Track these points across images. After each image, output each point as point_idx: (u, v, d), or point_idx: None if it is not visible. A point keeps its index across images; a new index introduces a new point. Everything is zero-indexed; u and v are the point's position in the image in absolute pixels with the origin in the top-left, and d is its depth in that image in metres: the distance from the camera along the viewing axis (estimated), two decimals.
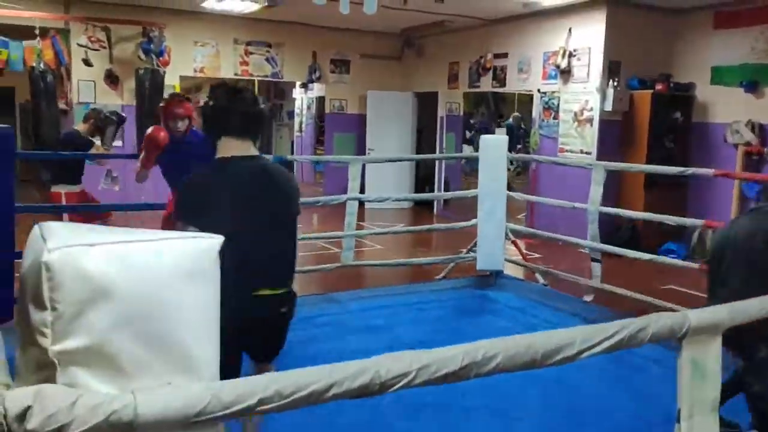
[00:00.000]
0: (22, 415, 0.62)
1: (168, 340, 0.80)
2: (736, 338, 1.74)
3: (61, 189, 5.51)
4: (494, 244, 5.93)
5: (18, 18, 8.46)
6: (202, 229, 2.19)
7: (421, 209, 11.12)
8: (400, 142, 11.09)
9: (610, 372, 4.01)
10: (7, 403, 0.62)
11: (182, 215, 2.33)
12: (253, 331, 2.43)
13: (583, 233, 5.61)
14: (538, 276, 6.22)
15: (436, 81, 10.78)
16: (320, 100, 12.68)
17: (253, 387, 0.80)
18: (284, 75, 10.71)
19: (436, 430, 3.37)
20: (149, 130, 4.23)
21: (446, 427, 3.38)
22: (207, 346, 0.85)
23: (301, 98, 14.85)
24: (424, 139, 11.47)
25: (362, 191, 10.79)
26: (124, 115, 6.91)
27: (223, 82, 2.76)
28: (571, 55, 8.29)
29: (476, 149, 6.19)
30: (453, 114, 11.00)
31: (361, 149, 11.05)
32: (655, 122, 7.98)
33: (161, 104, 4.34)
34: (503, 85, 9.64)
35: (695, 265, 4.85)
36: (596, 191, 5.33)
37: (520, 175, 12.71)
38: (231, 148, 2.36)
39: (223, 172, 2.36)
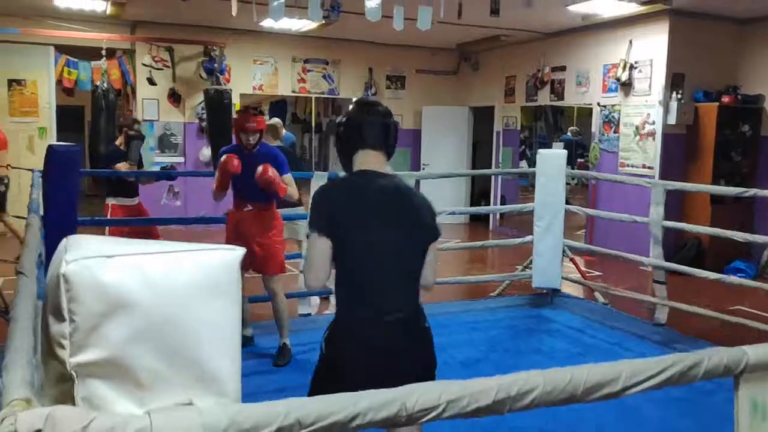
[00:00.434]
0: None
1: (186, 355, 0.78)
2: None
3: (110, 202, 5.63)
4: (551, 261, 5.79)
5: (87, 40, 8.83)
6: (335, 241, 2.20)
7: (477, 225, 11.00)
8: (456, 157, 11.01)
9: (674, 394, 3.82)
10: (18, 425, 0.61)
11: (316, 225, 2.23)
12: (387, 364, 2.22)
13: (646, 250, 5.41)
14: (597, 295, 6.04)
15: (492, 95, 10.68)
16: None
17: (273, 414, 0.77)
18: (340, 91, 10.82)
19: None
20: (224, 158, 4.21)
21: None
22: (227, 363, 0.83)
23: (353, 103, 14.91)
24: (480, 153, 11.36)
25: None
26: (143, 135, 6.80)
27: (360, 98, 2.70)
28: (632, 67, 8.08)
29: (533, 164, 6.08)
30: (509, 128, 10.85)
31: (415, 164, 11.03)
32: (722, 136, 7.68)
33: (234, 117, 4.39)
34: (561, 98, 9.47)
35: (766, 286, 4.61)
36: (657, 211, 5.13)
37: (578, 189, 12.42)
38: (367, 161, 2.30)
39: (358, 184, 2.28)
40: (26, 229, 2.62)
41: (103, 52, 8.88)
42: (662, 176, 7.39)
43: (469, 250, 8.39)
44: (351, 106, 2.39)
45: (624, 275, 6.98)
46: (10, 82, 8.93)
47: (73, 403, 0.76)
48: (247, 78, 10.05)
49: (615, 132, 8.43)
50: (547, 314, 5.77)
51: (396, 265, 2.27)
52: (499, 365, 4.51)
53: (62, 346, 0.73)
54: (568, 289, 6.28)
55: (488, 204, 10.87)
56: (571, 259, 6.28)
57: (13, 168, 7.00)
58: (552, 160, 5.85)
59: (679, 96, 7.65)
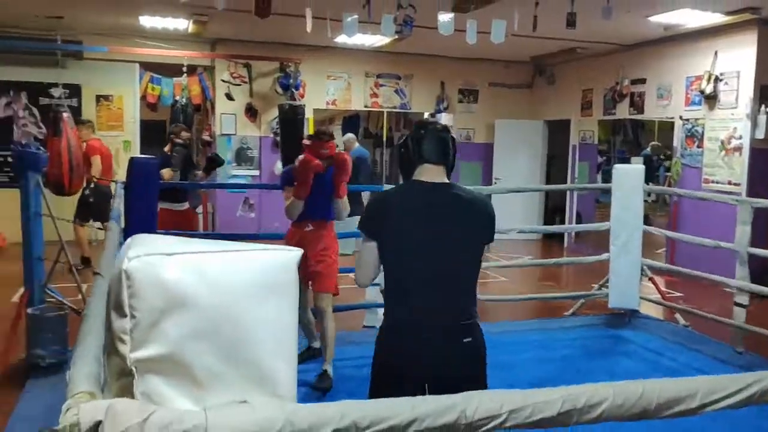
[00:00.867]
0: (94, 429, 0.62)
1: (242, 354, 0.77)
2: None
3: (159, 206, 5.79)
4: (629, 281, 5.57)
5: (170, 57, 9.19)
6: (381, 243, 2.36)
7: (550, 241, 10.73)
8: (529, 171, 10.81)
9: (749, 422, 3.55)
10: (81, 417, 0.62)
11: (365, 227, 2.41)
12: (435, 370, 2.30)
13: (731, 271, 5.12)
14: (678, 317, 5.75)
15: (568, 108, 10.45)
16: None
17: (329, 415, 0.75)
18: (412, 106, 10.83)
19: None
20: (303, 157, 4.12)
21: None
22: (282, 363, 0.82)
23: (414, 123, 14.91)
24: (555, 168, 11.11)
25: None
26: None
27: (420, 119, 2.95)
28: (717, 79, 7.73)
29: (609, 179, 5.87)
30: (586, 142, 10.58)
31: (487, 178, 10.90)
32: None
33: (306, 142, 4.28)
34: (641, 111, 9.16)
35: None
36: (743, 231, 4.85)
37: (658, 205, 11.96)
38: (426, 172, 2.42)
39: (412, 192, 2.44)
40: (106, 235, 2.71)
41: (184, 69, 9.23)
42: (750, 193, 7.00)
43: (541, 267, 8.19)
44: (414, 127, 2.54)
45: (707, 297, 6.63)
46: (98, 97, 9.42)
47: (132, 398, 0.76)
48: (321, 93, 10.21)
49: (698, 147, 8.07)
50: (624, 335, 5.54)
51: (440, 272, 2.36)
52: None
53: (123, 342, 0.74)
54: (646, 309, 6.01)
55: (562, 220, 10.60)
56: (650, 279, 6.02)
57: (98, 180, 7.34)
58: (629, 175, 5.65)
59: None
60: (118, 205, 3.30)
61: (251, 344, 0.78)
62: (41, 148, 4.80)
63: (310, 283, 4.31)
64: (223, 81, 9.62)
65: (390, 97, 10.62)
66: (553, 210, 11.04)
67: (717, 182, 7.76)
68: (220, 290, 0.77)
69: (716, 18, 7.04)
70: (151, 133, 10.53)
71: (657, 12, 6.91)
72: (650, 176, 9.58)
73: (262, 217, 9.91)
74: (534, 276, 8.04)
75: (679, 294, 7.05)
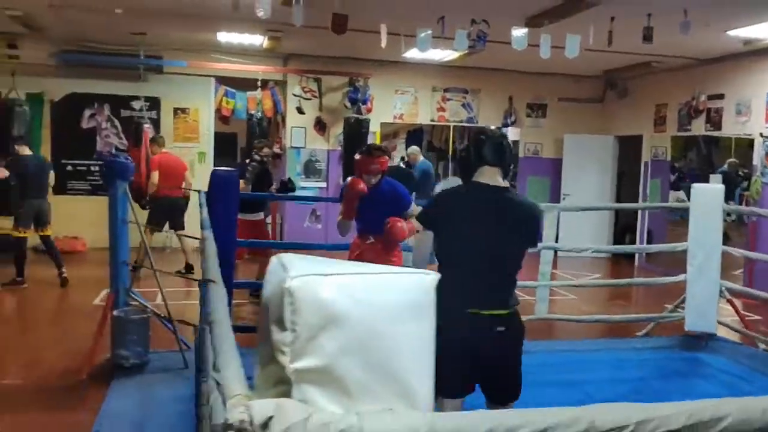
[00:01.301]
0: (265, 424, 0.68)
1: (387, 368, 0.84)
2: None
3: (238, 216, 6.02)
4: (706, 303, 5.39)
5: (244, 72, 9.50)
6: (438, 235, 2.67)
7: (620, 259, 10.47)
8: (599, 187, 10.61)
9: None
10: (253, 412, 0.69)
11: (424, 221, 2.77)
12: (473, 352, 2.60)
13: None
14: (758, 341, 5.53)
15: (640, 124, 10.22)
16: (513, 144, 12.61)
17: (469, 424, 0.79)
18: (479, 120, 10.82)
19: None
20: (349, 180, 4.23)
21: None
22: (424, 379, 0.88)
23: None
24: (625, 184, 10.86)
25: (556, 237, 10.45)
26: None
27: (481, 128, 3.21)
28: None
29: (686, 197, 5.72)
30: (658, 159, 10.31)
31: (555, 194, 10.75)
32: None
33: (358, 156, 4.32)
34: (718, 128, 8.88)
35: None
36: None
37: (736, 224, 11.52)
38: (483, 174, 2.71)
39: (470, 192, 2.73)
40: (202, 244, 2.83)
41: (259, 84, 9.51)
42: None
43: (610, 287, 8.01)
44: (473, 135, 2.89)
45: None
46: (176, 110, 9.78)
47: None
48: (389, 107, 10.32)
49: None
50: (700, 358, 5.36)
51: (485, 265, 2.65)
52: None
53: (283, 353, 0.80)
54: (724, 333, 5.80)
55: (633, 238, 10.34)
56: (729, 301, 5.81)
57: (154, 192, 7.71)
58: (708, 194, 5.48)
59: None
60: (206, 214, 3.43)
61: (395, 360, 0.84)
62: (129, 158, 5.04)
63: None
64: (295, 95, 9.86)
65: (457, 111, 10.64)
66: (624, 228, 10.79)
67: None
68: (369, 309, 0.83)
69: None
70: (223, 144, 10.89)
71: (737, 26, 6.72)
72: (728, 194, 9.26)
73: (328, 229, 10.06)
74: (603, 294, 7.87)
75: (758, 317, 6.77)
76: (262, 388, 0.85)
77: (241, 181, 6.26)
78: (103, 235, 7.06)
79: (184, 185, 7.91)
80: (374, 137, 10.13)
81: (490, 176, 2.71)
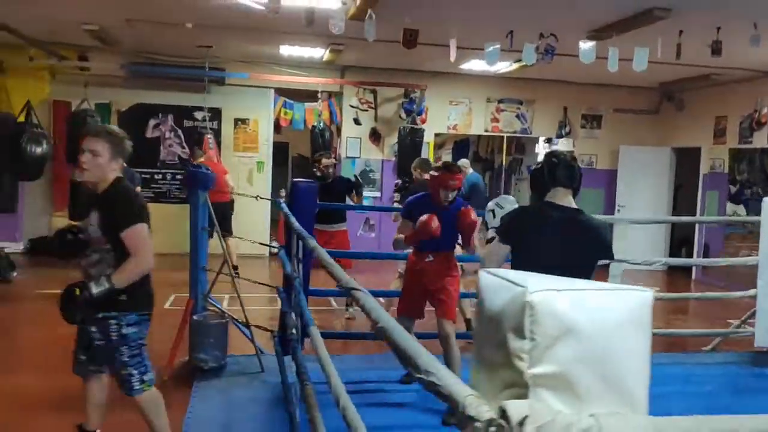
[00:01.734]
0: (521, 423, 0.77)
1: (615, 376, 0.95)
2: None
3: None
4: None
5: (302, 83, 9.71)
6: (515, 251, 2.84)
7: (676, 273, 10.33)
8: (654, 199, 10.50)
9: None
10: (510, 411, 0.78)
11: (501, 234, 2.94)
12: None
13: None
14: None
15: (698, 136, 10.10)
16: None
17: (689, 426, 0.85)
18: (533, 130, 10.83)
19: None
20: (425, 219, 4.05)
21: None
22: (643, 390, 0.98)
23: (544, 153, 14.82)
24: (682, 197, 10.73)
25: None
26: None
27: (553, 151, 3.34)
28: None
29: (746, 210, 5.66)
30: (716, 171, 10.16)
31: (609, 206, 10.68)
32: None
33: (434, 173, 4.32)
34: None
35: None
36: None
37: None
38: (557, 195, 2.90)
39: (544, 211, 2.91)
40: (314, 252, 2.93)
41: (319, 95, 9.71)
42: None
43: (668, 301, 7.92)
44: (543, 156, 3.09)
45: None
46: (236, 121, 10.05)
47: None
48: (443, 118, 10.41)
49: None
50: None
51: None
52: None
53: (521, 359, 0.91)
54: None
55: (689, 251, 10.20)
56: None
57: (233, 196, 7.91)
58: None
59: None
60: (295, 223, 3.55)
61: (620, 368, 0.95)
62: (209, 168, 5.23)
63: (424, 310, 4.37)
64: (351, 106, 10.03)
65: (511, 122, 10.67)
66: (680, 241, 10.65)
67: None
68: (598, 321, 0.95)
69: None
70: (275, 153, 11.08)
71: None
72: None
73: (381, 238, 10.18)
74: (660, 307, 7.79)
75: None
76: (487, 391, 0.94)
77: None
78: (168, 241, 7.37)
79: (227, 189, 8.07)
80: (428, 148, 10.24)
81: (563, 197, 2.90)
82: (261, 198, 5.19)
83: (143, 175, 9.70)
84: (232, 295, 6.01)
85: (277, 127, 10.55)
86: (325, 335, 3.06)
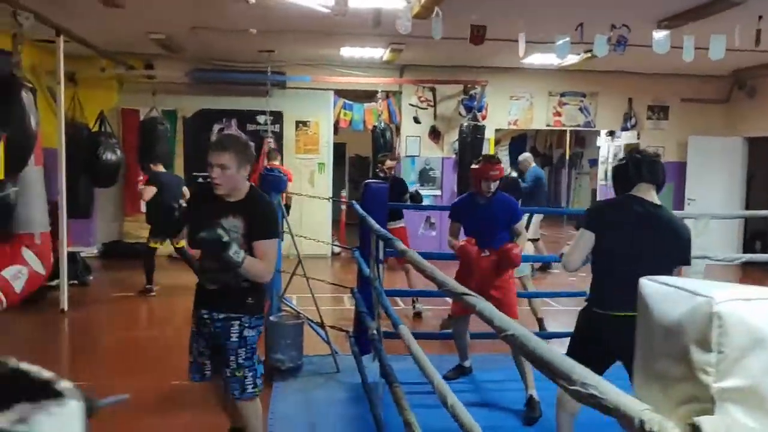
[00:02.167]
0: None
1: None
2: None
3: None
4: None
5: (363, 84, 9.74)
6: (599, 242, 2.95)
7: (750, 267, 9.91)
8: (726, 191, 10.11)
9: None
10: (706, 428, 0.74)
11: (588, 225, 3.02)
12: (614, 351, 2.85)
13: None
14: None
15: None
16: (628, 148, 12.23)
17: None
18: (597, 123, 10.59)
19: None
20: (463, 246, 4.24)
21: None
22: None
23: (607, 146, 14.49)
24: (756, 188, 10.31)
25: None
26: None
27: (634, 148, 3.46)
28: None
29: None
30: None
31: (678, 199, 10.35)
32: None
33: (475, 165, 4.34)
34: None
35: None
36: None
37: None
38: (641, 190, 2.99)
39: (631, 205, 2.98)
40: (407, 256, 2.93)
41: (379, 95, 9.74)
42: None
43: None
44: (627, 154, 3.18)
45: None
46: (297, 123, 10.15)
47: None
48: (503, 113, 10.28)
49: None
50: None
51: (636, 275, 2.64)
52: None
53: (706, 373, 0.87)
54: None
55: (764, 244, 9.79)
56: None
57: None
58: None
59: None
60: (375, 225, 3.56)
61: None
62: (281, 171, 5.29)
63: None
64: (411, 105, 10.01)
65: (574, 116, 10.46)
66: (753, 234, 10.23)
67: None
68: None
69: None
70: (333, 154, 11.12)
71: None
72: None
73: (442, 236, 10.12)
74: None
75: None
76: (660, 405, 0.90)
77: None
78: None
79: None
80: (488, 144, 10.13)
81: (646, 192, 2.99)
82: (333, 199, 5.19)
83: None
84: (299, 296, 6.07)
85: (336, 128, 10.61)
86: (416, 336, 3.05)
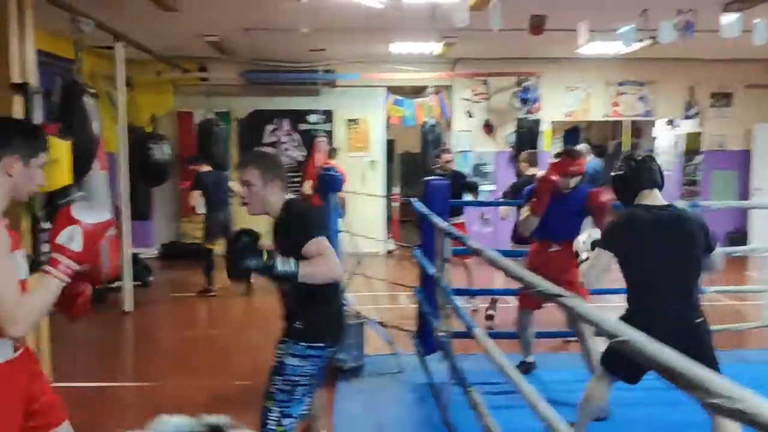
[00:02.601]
0: None
1: None
2: None
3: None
4: None
5: (414, 80, 9.65)
6: (621, 261, 2.94)
7: None
8: None
9: None
10: None
11: (605, 245, 2.97)
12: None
13: None
14: None
15: None
16: (689, 137, 11.80)
17: None
18: (656, 113, 10.24)
19: None
20: (541, 173, 4.22)
21: None
22: None
23: (665, 136, 14.02)
24: None
25: (744, 237, 9.65)
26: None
27: (629, 154, 3.29)
28: None
29: None
30: None
31: (743, 189, 9.94)
32: None
33: (556, 158, 4.29)
34: None
35: None
36: None
37: None
38: (646, 197, 2.98)
39: (640, 216, 2.95)
40: (480, 255, 2.84)
41: (432, 91, 9.63)
42: None
43: None
44: (621, 161, 3.11)
45: None
46: (348, 121, 10.13)
47: None
48: (559, 105, 10.04)
49: None
50: None
51: (670, 280, 2.88)
52: None
53: None
54: None
55: None
56: None
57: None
58: None
59: None
60: (442, 223, 3.47)
61: None
62: (336, 170, 5.26)
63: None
64: (464, 99, 9.87)
65: (633, 105, 10.13)
66: None
67: None
68: None
69: None
70: None
71: None
72: None
73: (498, 233, 9.95)
74: None
75: None
76: None
77: None
78: None
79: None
80: (544, 137, 9.92)
81: (650, 197, 2.98)
82: (389, 197, 5.12)
83: None
84: (356, 294, 6.04)
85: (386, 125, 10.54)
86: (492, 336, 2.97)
